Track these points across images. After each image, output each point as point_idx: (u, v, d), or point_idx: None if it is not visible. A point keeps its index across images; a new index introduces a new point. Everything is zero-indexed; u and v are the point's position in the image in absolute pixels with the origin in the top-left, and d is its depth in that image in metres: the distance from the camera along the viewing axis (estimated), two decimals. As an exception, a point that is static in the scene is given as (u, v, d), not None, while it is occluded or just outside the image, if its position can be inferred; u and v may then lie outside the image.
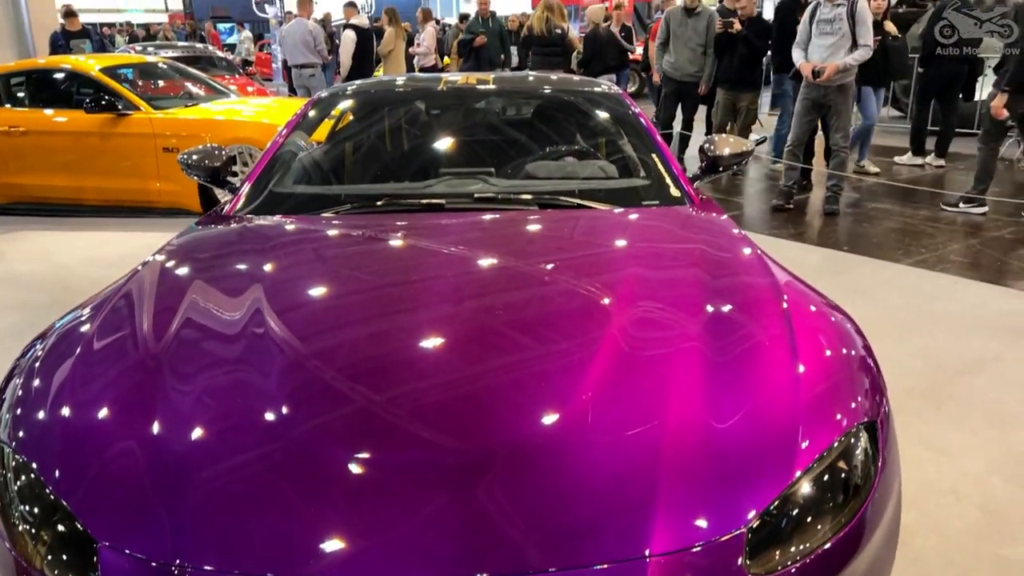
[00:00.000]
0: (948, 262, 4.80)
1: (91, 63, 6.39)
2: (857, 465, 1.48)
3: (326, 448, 1.38)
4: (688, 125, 7.71)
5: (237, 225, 2.43)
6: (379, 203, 2.50)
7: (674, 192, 2.65)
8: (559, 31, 8.19)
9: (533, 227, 2.35)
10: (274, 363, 1.60)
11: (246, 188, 2.66)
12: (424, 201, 2.50)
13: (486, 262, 2.09)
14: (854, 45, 5.53)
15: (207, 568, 1.20)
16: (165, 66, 7.19)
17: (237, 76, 10.91)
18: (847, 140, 5.94)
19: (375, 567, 1.21)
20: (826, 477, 1.42)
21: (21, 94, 6.38)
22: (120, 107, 5.94)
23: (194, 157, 2.91)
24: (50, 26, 10.00)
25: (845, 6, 5.50)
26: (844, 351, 1.75)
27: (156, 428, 1.45)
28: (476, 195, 2.53)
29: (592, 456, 1.38)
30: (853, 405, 1.58)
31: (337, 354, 1.66)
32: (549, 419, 1.44)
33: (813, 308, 1.90)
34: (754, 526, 1.30)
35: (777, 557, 1.31)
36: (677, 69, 7.37)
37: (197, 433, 1.44)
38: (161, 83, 7.04)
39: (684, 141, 7.75)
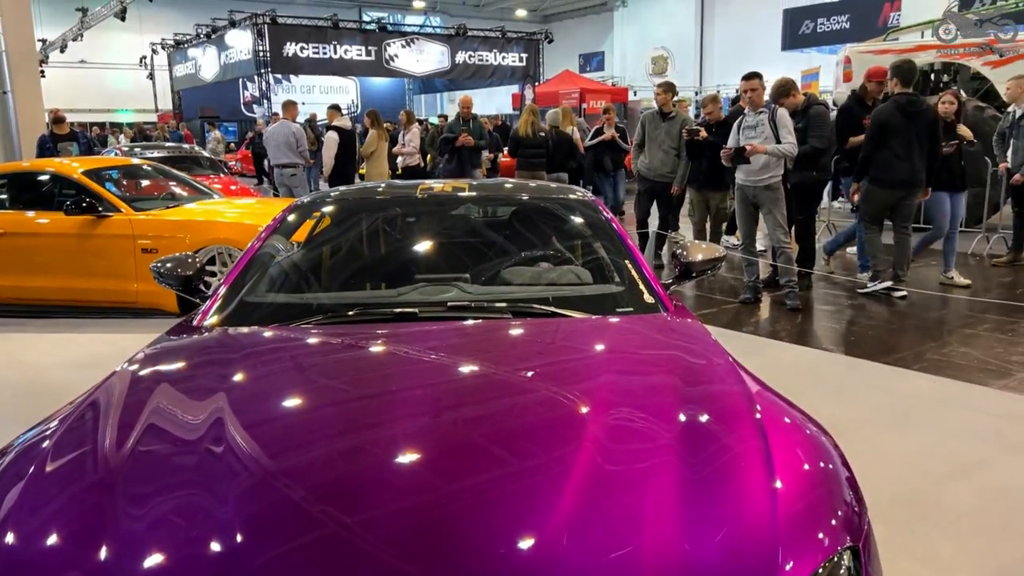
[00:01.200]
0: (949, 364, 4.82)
1: (74, 166, 6.46)
2: None
3: None
4: (664, 223, 7.87)
5: (208, 335, 2.39)
6: (351, 313, 2.48)
7: (647, 299, 2.65)
8: (542, 134, 8.80)
9: (508, 336, 2.33)
10: (235, 483, 1.53)
11: (221, 292, 2.64)
12: (397, 310, 2.48)
13: (461, 372, 2.06)
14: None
15: None
16: (149, 168, 7.28)
17: (222, 176, 11.07)
18: (787, 236, 6.15)
19: None
20: None
21: (3, 196, 6.40)
22: (100, 208, 5.97)
23: (167, 266, 2.90)
24: (38, 129, 10.15)
25: (767, 113, 5.92)
26: (822, 465, 1.71)
27: (104, 558, 1.37)
28: (449, 303, 2.52)
29: None
30: (835, 524, 1.53)
31: (303, 473, 1.59)
32: (524, 544, 1.37)
33: (787, 420, 1.87)
34: None
35: None
36: (651, 169, 7.61)
37: (148, 564, 1.35)
38: (145, 184, 7.11)
39: (660, 239, 7.92)
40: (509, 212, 3.37)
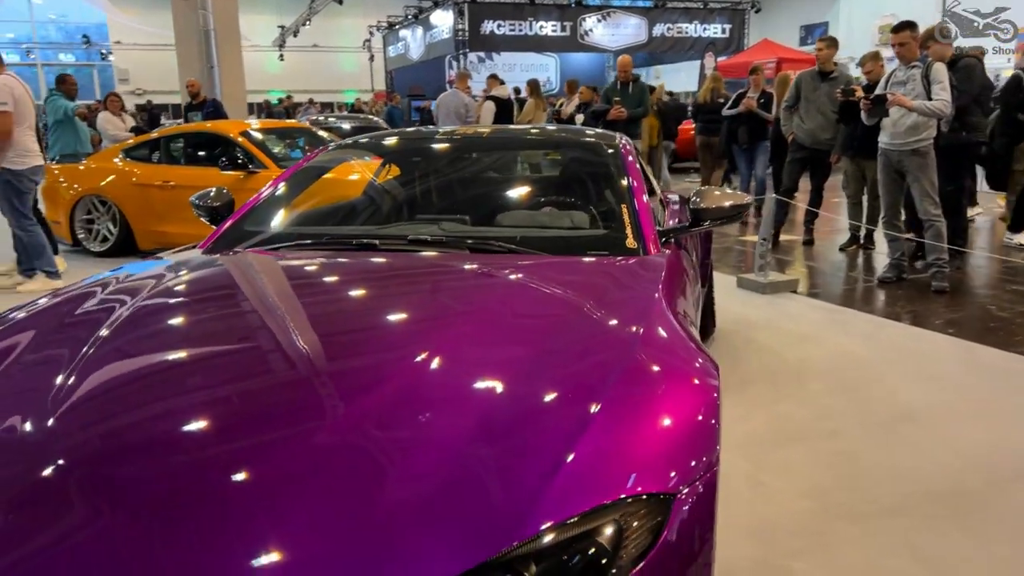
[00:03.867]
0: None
1: (235, 128, 7.16)
2: (623, 543, 1.27)
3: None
4: (817, 195, 7.21)
5: (175, 257, 2.58)
6: (308, 242, 2.56)
7: (630, 243, 2.48)
8: (721, 100, 9.06)
9: (434, 269, 2.32)
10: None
11: (228, 224, 2.83)
12: (355, 241, 2.52)
13: (351, 296, 2.12)
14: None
15: None
16: (306, 131, 7.91)
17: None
18: (937, 208, 5.36)
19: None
20: (567, 552, 1.23)
21: (176, 153, 7.28)
22: (251, 165, 6.59)
23: (208, 199, 3.12)
24: (239, 98, 11.40)
25: (920, 68, 5.24)
26: (666, 410, 1.53)
27: None
28: (410, 237, 2.52)
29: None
30: (643, 471, 1.37)
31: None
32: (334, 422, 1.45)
33: (658, 368, 1.69)
34: None
35: None
36: (808, 135, 6.98)
37: None
38: (301, 145, 7.73)
39: (809, 215, 7.27)
40: (530, 158, 3.30)
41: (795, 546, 2.32)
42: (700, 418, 1.53)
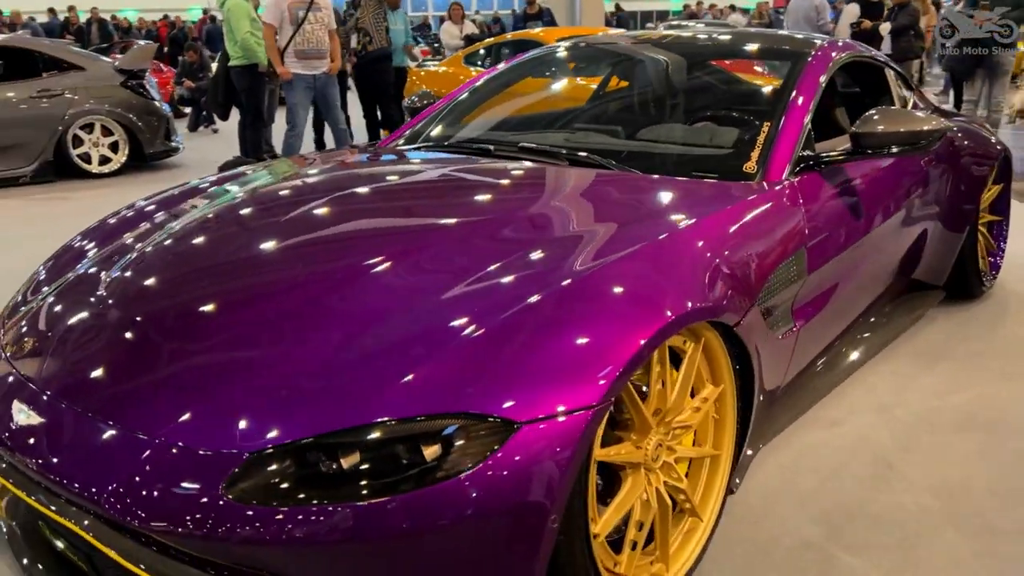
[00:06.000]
0: None
1: (551, 36, 7.51)
2: (449, 454, 1.30)
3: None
4: None
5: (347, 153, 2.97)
6: (446, 144, 2.72)
7: (749, 167, 2.22)
8: None
9: (515, 178, 2.34)
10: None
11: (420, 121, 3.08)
12: (475, 146, 2.61)
13: (408, 194, 2.34)
14: None
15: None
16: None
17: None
18: None
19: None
20: (390, 448, 1.31)
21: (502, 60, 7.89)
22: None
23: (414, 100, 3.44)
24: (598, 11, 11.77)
25: None
26: (555, 354, 1.44)
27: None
28: (520, 145, 2.54)
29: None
30: (497, 394, 1.35)
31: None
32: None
33: (620, 289, 1.61)
34: (252, 456, 1.30)
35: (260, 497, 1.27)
36: None
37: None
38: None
39: None
40: (714, 70, 3.01)
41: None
42: (577, 366, 1.43)
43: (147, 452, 1.35)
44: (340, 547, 1.27)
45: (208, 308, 1.70)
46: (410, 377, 1.37)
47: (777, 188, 2.14)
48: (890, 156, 2.35)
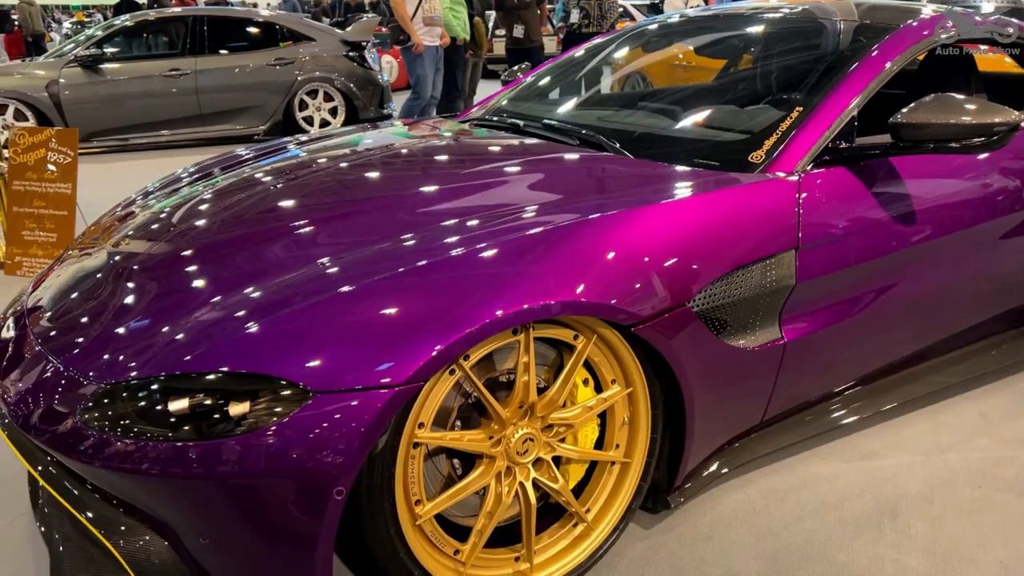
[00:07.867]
0: None
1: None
2: (249, 414, 1.38)
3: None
4: None
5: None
6: (494, 119, 2.71)
7: (755, 157, 2.00)
8: None
9: (516, 157, 2.28)
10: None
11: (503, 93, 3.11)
12: (509, 122, 2.58)
13: (420, 167, 2.36)
14: None
15: None
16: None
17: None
18: None
19: None
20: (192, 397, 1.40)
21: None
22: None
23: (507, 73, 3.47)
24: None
25: None
26: (390, 331, 1.43)
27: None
28: (544, 122, 2.47)
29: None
30: (303, 361, 1.40)
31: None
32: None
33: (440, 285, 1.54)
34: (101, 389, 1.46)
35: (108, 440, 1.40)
36: None
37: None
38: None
39: None
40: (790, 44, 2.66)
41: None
42: (390, 343, 1.41)
43: (52, 373, 1.55)
44: (156, 481, 1.38)
45: (161, 254, 1.88)
46: (243, 334, 1.45)
47: (773, 181, 1.89)
48: (944, 152, 1.95)
